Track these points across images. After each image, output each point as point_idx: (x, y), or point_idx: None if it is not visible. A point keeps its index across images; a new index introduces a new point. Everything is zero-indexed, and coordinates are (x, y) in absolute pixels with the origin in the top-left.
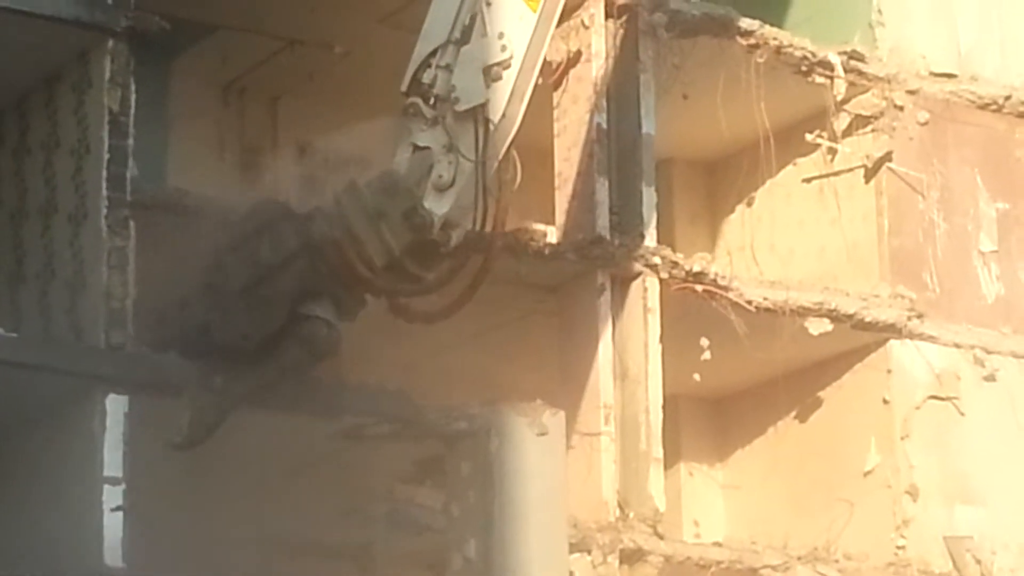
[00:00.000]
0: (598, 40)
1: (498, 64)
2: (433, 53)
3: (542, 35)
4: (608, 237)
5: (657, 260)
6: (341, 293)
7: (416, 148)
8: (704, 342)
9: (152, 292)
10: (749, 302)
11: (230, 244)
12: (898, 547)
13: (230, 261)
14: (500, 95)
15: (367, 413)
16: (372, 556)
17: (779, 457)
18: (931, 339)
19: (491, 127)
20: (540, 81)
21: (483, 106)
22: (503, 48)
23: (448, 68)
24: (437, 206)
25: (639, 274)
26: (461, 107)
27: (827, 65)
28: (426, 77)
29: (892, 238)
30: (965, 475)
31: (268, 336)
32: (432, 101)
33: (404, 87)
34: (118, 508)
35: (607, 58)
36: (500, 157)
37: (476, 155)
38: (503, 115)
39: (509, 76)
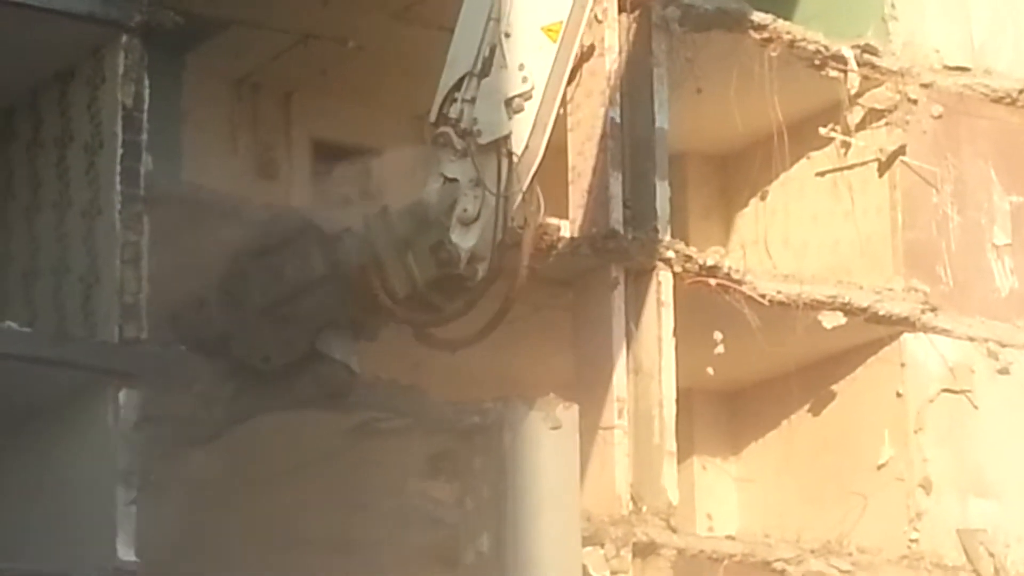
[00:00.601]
0: (611, 34)
1: (519, 96)
2: (458, 85)
3: (563, 64)
4: (622, 231)
5: (671, 254)
6: (363, 317)
7: (446, 179)
8: (718, 336)
9: (166, 287)
10: (763, 296)
11: (252, 252)
12: (911, 540)
13: (252, 271)
14: (523, 127)
15: (380, 408)
16: (385, 551)
17: (792, 450)
18: (945, 332)
19: (514, 159)
20: (561, 112)
21: (506, 138)
22: (524, 79)
23: (472, 101)
24: (463, 240)
25: (653, 268)
26: (484, 140)
27: (840, 59)
28: (452, 112)
29: (906, 231)
30: (978, 468)
31: (289, 362)
32: (460, 133)
33: (432, 119)
34: (131, 502)
35: (620, 52)
36: (524, 189)
37: (498, 188)
38: (526, 147)
39: (531, 107)
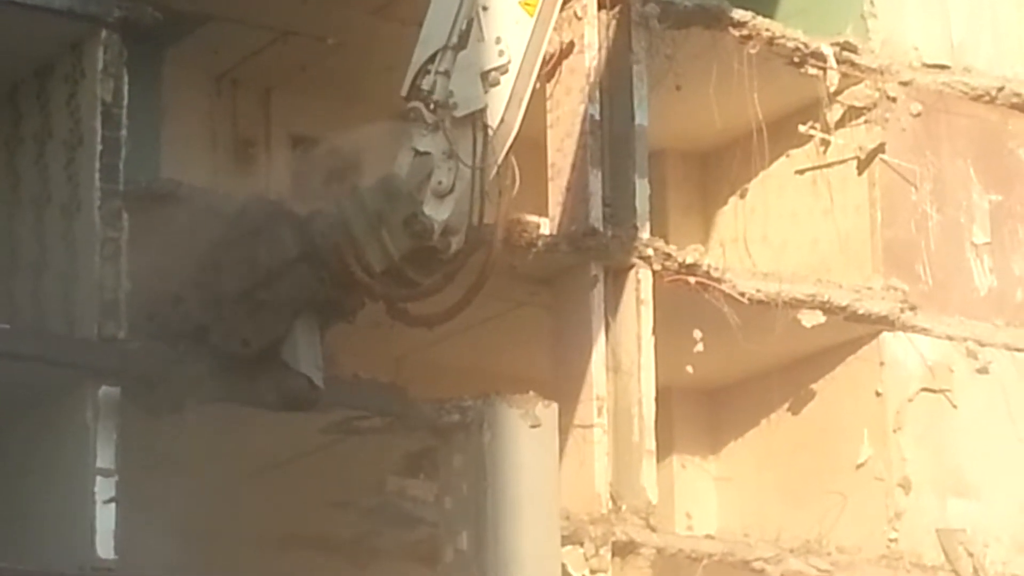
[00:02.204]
0: (591, 31)
1: (496, 69)
2: (432, 58)
3: (539, 39)
4: (601, 229)
5: (650, 252)
6: (341, 297)
7: (417, 153)
8: (697, 334)
9: (145, 284)
10: (742, 294)
11: (225, 242)
12: (890, 540)
13: (225, 260)
14: (498, 100)
15: (359, 406)
16: (365, 549)
17: (772, 449)
18: (924, 331)
19: (489, 133)
20: (538, 85)
21: (481, 112)
22: (500, 53)
23: (446, 74)
24: (437, 212)
25: (632, 266)
26: (459, 113)
27: (820, 56)
28: (425, 84)
29: (885, 230)
30: (957, 468)
31: (269, 344)
32: (432, 106)
33: (404, 92)
34: (110, 500)
35: (600, 49)
36: (499, 162)
37: (473, 161)
38: (501, 120)
39: (507, 81)
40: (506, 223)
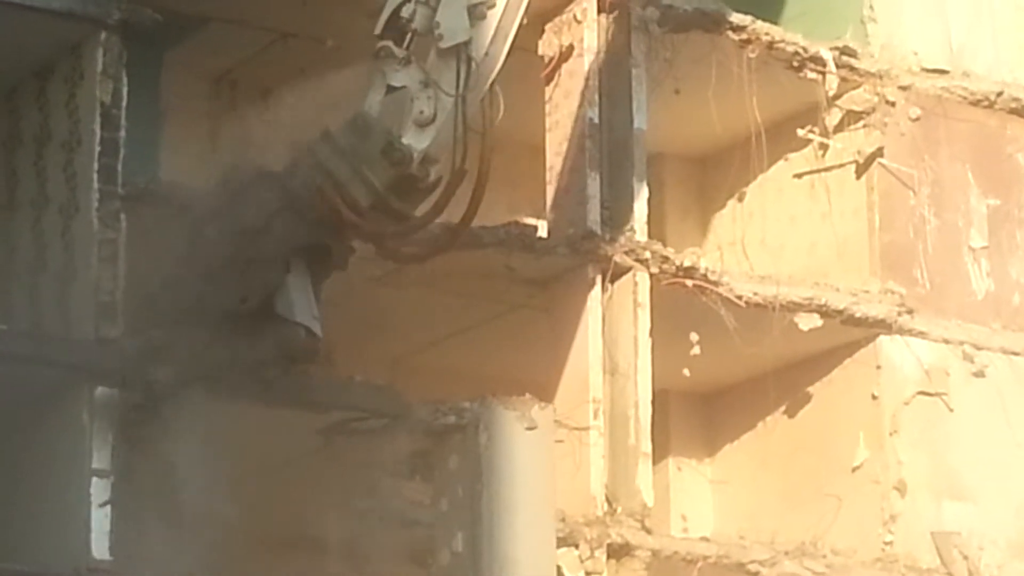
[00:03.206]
0: (590, 35)
1: (482, 3)
2: None
3: None
4: (599, 232)
5: (648, 255)
6: (330, 243)
7: (390, 89)
8: (694, 337)
9: (142, 284)
10: (739, 297)
11: (209, 214)
12: (886, 543)
13: (212, 232)
14: (484, 33)
15: (356, 408)
16: (360, 550)
17: (768, 452)
18: (921, 335)
19: (474, 65)
20: (525, 21)
21: (467, 44)
22: None
23: (428, 4)
24: (417, 141)
25: (630, 269)
26: (445, 44)
27: (819, 61)
28: (405, 11)
29: (883, 234)
30: (953, 471)
31: (265, 297)
32: (406, 41)
33: (378, 30)
34: (106, 501)
35: (599, 53)
36: (483, 94)
37: (456, 90)
38: (487, 53)
39: (494, 15)
40: (491, 155)
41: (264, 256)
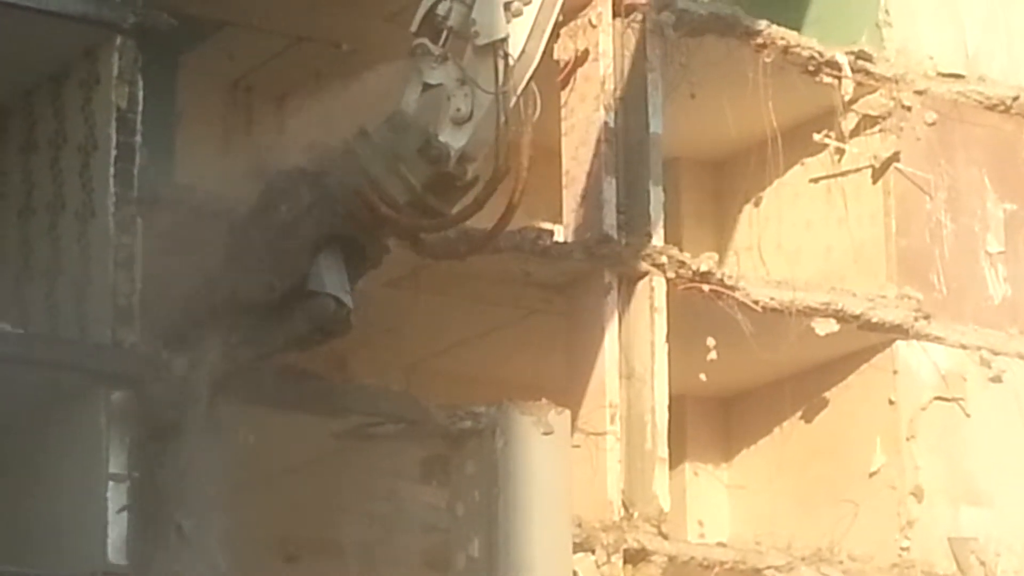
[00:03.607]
0: (606, 39)
1: (519, 0)
2: None
3: None
4: (615, 236)
5: (664, 259)
6: (364, 240)
7: (426, 87)
8: (710, 342)
9: (168, 289)
10: (756, 302)
11: (249, 216)
12: (902, 548)
13: (251, 229)
14: (520, 30)
15: (373, 413)
16: (377, 555)
17: (784, 457)
18: (937, 340)
19: (510, 62)
20: (561, 18)
21: (503, 41)
22: None
23: (464, 2)
24: (454, 139)
25: (646, 273)
26: (481, 41)
27: (834, 65)
28: (441, 9)
29: (899, 238)
30: (970, 476)
31: (295, 285)
32: (442, 38)
33: (414, 27)
34: (123, 505)
35: (615, 57)
36: (519, 92)
37: (496, 87)
38: (523, 50)
39: (530, 12)
40: (530, 151)
41: (294, 247)
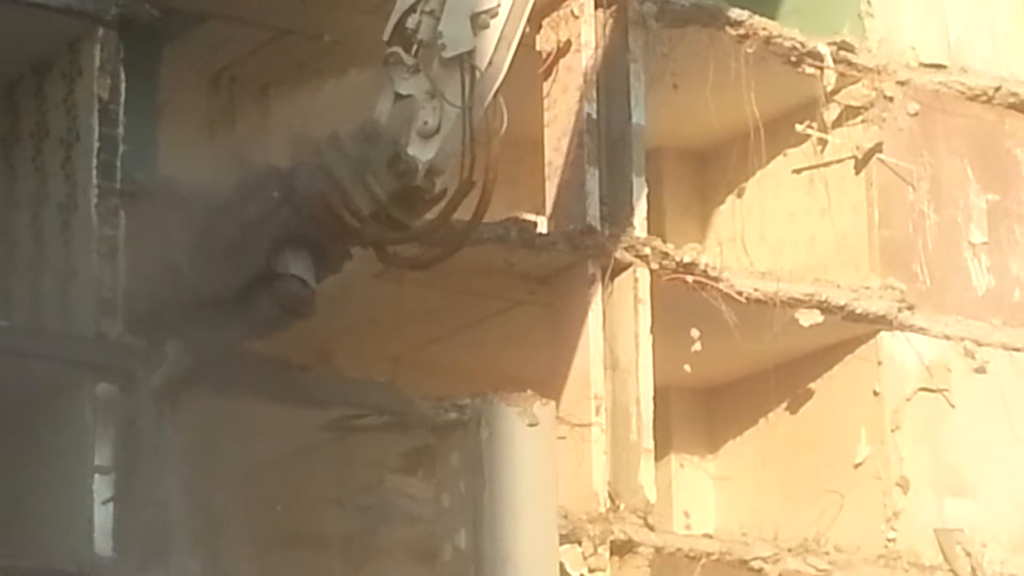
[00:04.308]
0: (588, 30)
1: (485, 12)
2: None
3: None
4: (598, 227)
5: (647, 250)
6: (326, 244)
7: (398, 97)
8: (695, 333)
9: (142, 280)
10: (740, 293)
11: (218, 210)
12: (888, 539)
13: (217, 225)
14: (487, 43)
15: (357, 406)
16: (362, 547)
17: (770, 449)
18: (921, 331)
19: (478, 75)
20: (527, 29)
21: (470, 53)
22: None
23: (433, 14)
24: (422, 153)
25: (629, 264)
26: (448, 54)
27: (817, 56)
28: (410, 22)
29: (882, 229)
30: (955, 467)
31: (250, 281)
32: (414, 49)
33: (386, 36)
34: (108, 497)
35: (597, 48)
36: (486, 105)
37: (463, 102)
38: (490, 63)
39: (496, 24)
40: (496, 165)
41: (255, 246)
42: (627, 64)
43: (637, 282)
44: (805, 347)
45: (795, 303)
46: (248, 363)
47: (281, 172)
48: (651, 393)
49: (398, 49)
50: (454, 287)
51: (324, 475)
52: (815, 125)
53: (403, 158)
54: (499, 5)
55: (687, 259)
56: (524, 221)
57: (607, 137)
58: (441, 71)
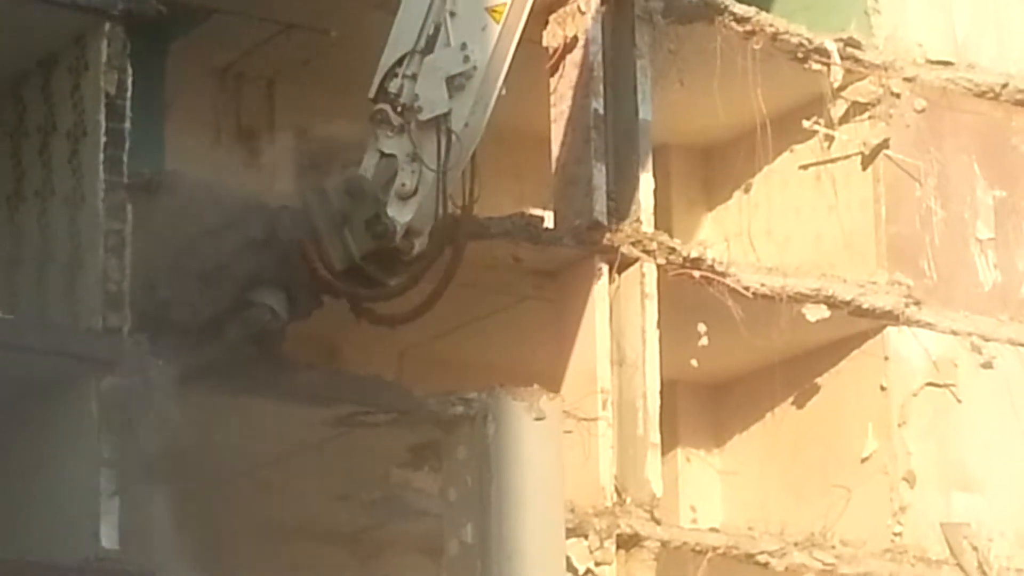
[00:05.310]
0: (595, 26)
1: (461, 74)
2: (400, 61)
3: (506, 45)
4: (605, 223)
5: (654, 246)
6: (297, 291)
7: (383, 155)
8: (701, 328)
9: (148, 275)
10: (746, 288)
11: (205, 230)
12: (895, 534)
13: (201, 246)
14: (463, 105)
15: (364, 403)
16: (369, 541)
17: (776, 443)
18: (928, 326)
19: (454, 137)
20: (504, 92)
21: (445, 116)
22: (466, 59)
23: (413, 77)
24: (400, 214)
25: (636, 260)
26: (424, 116)
27: (823, 52)
28: (392, 86)
29: (889, 225)
30: (962, 462)
31: (217, 312)
32: (399, 109)
33: (372, 94)
34: (114, 491)
35: (603, 44)
36: (464, 167)
37: (438, 165)
38: (466, 125)
39: (472, 86)
40: (470, 226)
41: (227, 280)
42: (634, 60)
43: (644, 277)
44: (812, 342)
45: (802, 298)
46: (255, 360)
47: (266, 211)
48: (658, 387)
49: (385, 107)
50: (460, 282)
51: (331, 470)
52: (822, 121)
53: (383, 219)
54: (474, 67)
55: (694, 254)
56: (531, 216)
57: (614, 133)
58: (419, 133)
